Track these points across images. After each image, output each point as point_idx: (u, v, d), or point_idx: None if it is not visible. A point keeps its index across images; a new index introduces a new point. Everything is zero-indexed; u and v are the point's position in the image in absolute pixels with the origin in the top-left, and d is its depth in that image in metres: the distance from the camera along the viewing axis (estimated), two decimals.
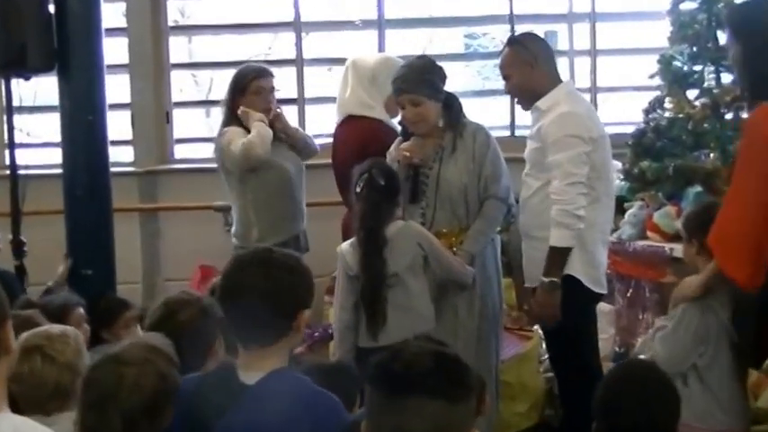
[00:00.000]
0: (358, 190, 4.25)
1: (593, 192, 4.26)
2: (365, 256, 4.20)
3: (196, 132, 8.28)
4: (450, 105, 4.58)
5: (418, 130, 4.55)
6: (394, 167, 4.42)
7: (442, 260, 4.31)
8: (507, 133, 7.00)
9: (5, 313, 2.09)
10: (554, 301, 4.24)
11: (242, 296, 2.63)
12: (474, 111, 6.91)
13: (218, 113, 9.27)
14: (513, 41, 4.55)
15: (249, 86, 5.04)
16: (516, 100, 4.65)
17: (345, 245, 4.34)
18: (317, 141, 5.96)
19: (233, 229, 5.20)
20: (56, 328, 3.24)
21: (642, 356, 5.06)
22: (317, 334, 5.89)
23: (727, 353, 3.71)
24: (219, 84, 9.50)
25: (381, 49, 6.99)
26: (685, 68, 5.76)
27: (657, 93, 5.89)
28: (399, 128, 4.74)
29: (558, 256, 4.22)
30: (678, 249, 5.22)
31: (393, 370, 2.11)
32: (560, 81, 4.47)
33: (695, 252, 3.80)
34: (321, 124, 7.31)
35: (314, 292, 2.76)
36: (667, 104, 5.80)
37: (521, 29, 6.81)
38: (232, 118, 5.05)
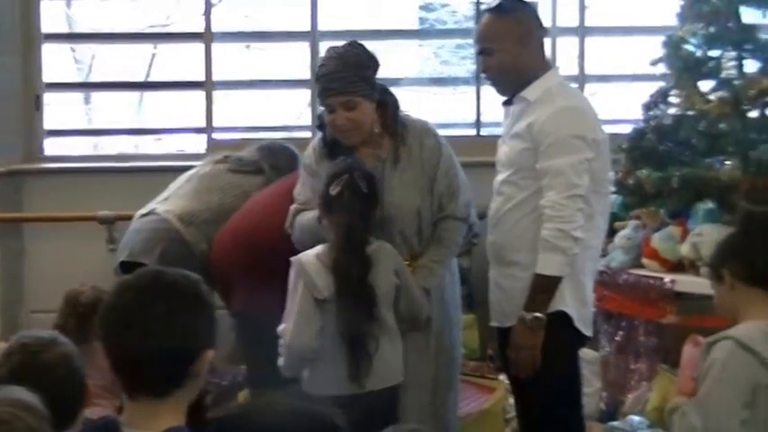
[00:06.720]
0: (333, 193, 4.12)
1: (588, 208, 4.24)
2: (350, 280, 4.08)
3: (73, 123, 8.19)
4: (385, 103, 4.47)
5: (350, 141, 4.41)
6: None
7: (410, 295, 4.26)
8: (473, 132, 7.02)
9: None
10: (536, 343, 4.21)
11: (127, 331, 2.58)
12: (430, 103, 6.86)
13: (101, 99, 9.29)
14: (502, 8, 4.47)
15: None
16: (493, 83, 4.54)
17: (307, 257, 4.17)
18: (229, 136, 5.86)
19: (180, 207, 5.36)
20: None
21: (636, 418, 5.08)
22: (225, 383, 5.82)
23: None
24: (104, 62, 9.44)
25: (314, 21, 6.91)
26: (698, 53, 5.79)
27: (662, 84, 5.92)
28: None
29: (547, 287, 4.20)
30: (682, 281, 5.27)
31: None
32: (550, 66, 4.47)
33: (728, 289, 3.53)
34: (232, 114, 7.28)
35: (217, 327, 2.71)
36: (674, 98, 5.84)
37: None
38: None
